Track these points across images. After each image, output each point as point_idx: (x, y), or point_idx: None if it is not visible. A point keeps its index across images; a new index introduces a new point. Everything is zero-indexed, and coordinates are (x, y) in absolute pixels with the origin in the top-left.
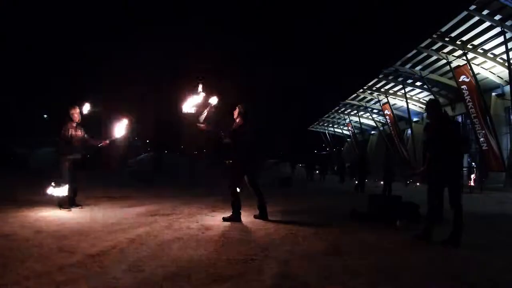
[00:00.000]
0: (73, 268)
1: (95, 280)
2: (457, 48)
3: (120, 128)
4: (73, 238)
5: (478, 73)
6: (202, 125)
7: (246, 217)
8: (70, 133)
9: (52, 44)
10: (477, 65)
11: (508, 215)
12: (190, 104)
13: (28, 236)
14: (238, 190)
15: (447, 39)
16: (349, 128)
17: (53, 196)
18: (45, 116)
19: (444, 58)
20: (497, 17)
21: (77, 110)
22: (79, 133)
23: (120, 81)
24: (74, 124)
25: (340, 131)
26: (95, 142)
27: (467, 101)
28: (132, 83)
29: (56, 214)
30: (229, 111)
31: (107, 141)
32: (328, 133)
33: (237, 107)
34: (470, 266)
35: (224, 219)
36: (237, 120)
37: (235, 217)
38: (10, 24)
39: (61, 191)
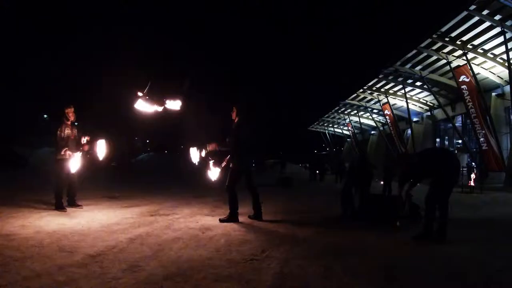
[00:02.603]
0: (73, 268)
1: (95, 280)
2: (457, 48)
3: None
4: (73, 238)
5: (478, 73)
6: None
7: (244, 218)
8: (66, 133)
9: (51, 44)
10: (477, 65)
11: (508, 215)
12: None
13: (28, 236)
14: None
15: (447, 39)
16: (349, 128)
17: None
18: (45, 116)
19: (444, 58)
20: (497, 17)
21: (72, 110)
22: (75, 132)
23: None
24: (70, 124)
25: (340, 131)
26: (83, 147)
27: (467, 101)
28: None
29: (55, 214)
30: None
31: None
32: (328, 133)
33: (234, 107)
34: (470, 266)
35: (221, 221)
36: (236, 120)
37: (232, 218)
38: (10, 23)
39: (58, 191)
